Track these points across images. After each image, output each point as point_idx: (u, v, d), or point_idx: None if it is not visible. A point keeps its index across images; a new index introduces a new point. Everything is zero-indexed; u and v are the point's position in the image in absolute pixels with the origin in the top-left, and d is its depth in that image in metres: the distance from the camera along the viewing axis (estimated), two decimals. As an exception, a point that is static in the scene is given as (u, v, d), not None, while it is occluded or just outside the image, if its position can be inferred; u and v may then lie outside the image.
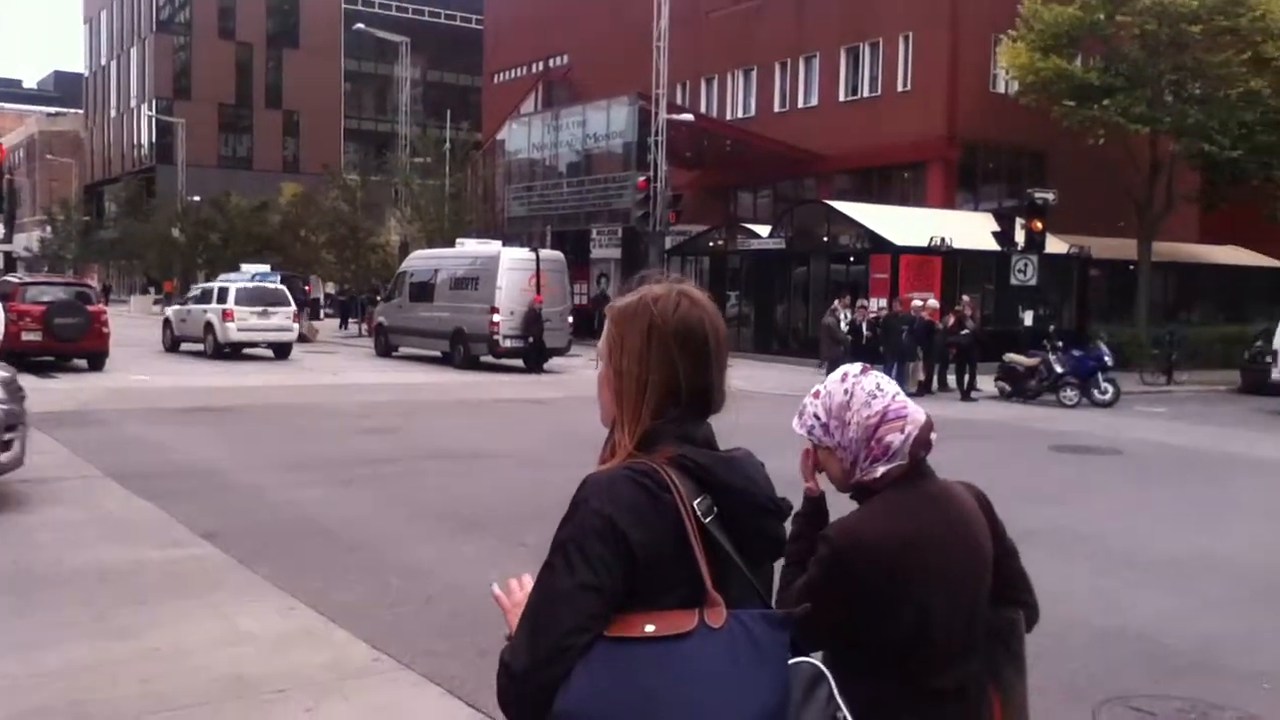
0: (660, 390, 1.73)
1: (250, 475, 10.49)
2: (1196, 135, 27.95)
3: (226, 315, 25.38)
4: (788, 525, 1.90)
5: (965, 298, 23.66)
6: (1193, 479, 12.47)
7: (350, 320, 41.16)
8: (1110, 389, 20.38)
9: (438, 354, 26.17)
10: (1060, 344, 21.58)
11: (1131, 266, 30.78)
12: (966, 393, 20.93)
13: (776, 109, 37.54)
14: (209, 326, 25.87)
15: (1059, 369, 20.48)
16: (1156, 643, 6.19)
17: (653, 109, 29.54)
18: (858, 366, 2.14)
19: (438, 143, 45.01)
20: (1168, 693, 5.40)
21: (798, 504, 2.11)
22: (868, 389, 2.06)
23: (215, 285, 27.95)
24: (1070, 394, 20.21)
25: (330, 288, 45.73)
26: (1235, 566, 8.11)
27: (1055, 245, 26.19)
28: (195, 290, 29.79)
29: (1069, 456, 13.85)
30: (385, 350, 27.99)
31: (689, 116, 31.82)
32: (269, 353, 26.24)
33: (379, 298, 31.66)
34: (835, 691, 1.64)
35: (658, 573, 1.63)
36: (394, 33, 48.82)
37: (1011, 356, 21.26)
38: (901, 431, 2.02)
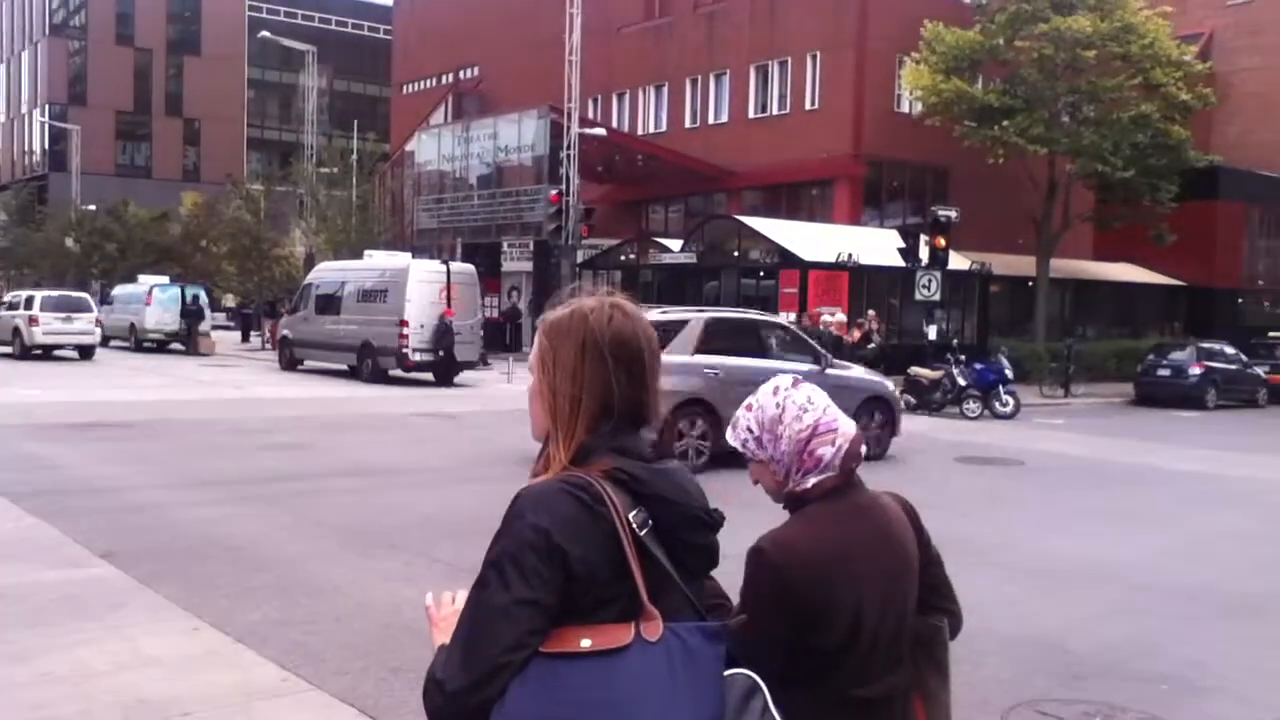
0: (594, 404, 1.72)
1: (150, 493, 10.15)
2: (1091, 156, 28.99)
3: (32, 320, 28.01)
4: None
5: (870, 312, 24.14)
6: (1092, 488, 12.85)
7: (252, 333, 40.24)
8: (1011, 401, 20.95)
9: (345, 367, 25.72)
10: (963, 358, 22.13)
11: (1030, 282, 31.73)
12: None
13: (688, 125, 37.85)
14: (16, 331, 28.51)
15: (962, 382, 20.99)
16: (1061, 648, 6.35)
17: (565, 122, 29.53)
18: (789, 379, 2.15)
19: (344, 153, 44.36)
20: (1074, 697, 5.53)
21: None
22: (799, 402, 2.08)
23: (23, 294, 30.55)
24: (973, 406, 20.72)
25: (231, 300, 44.63)
26: (1134, 573, 8.37)
27: (958, 261, 26.85)
28: (9, 298, 31.80)
29: (973, 467, 14.18)
30: (290, 364, 27.40)
31: (601, 131, 31.90)
32: (163, 366, 25.50)
33: (284, 310, 31.03)
34: (770, 703, 1.64)
35: (594, 587, 1.62)
36: (300, 41, 48.00)
37: (916, 370, 21.72)
38: (833, 444, 2.04)
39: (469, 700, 1.57)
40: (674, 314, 13.06)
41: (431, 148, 38.68)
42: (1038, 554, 8.93)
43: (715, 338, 12.74)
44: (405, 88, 53.46)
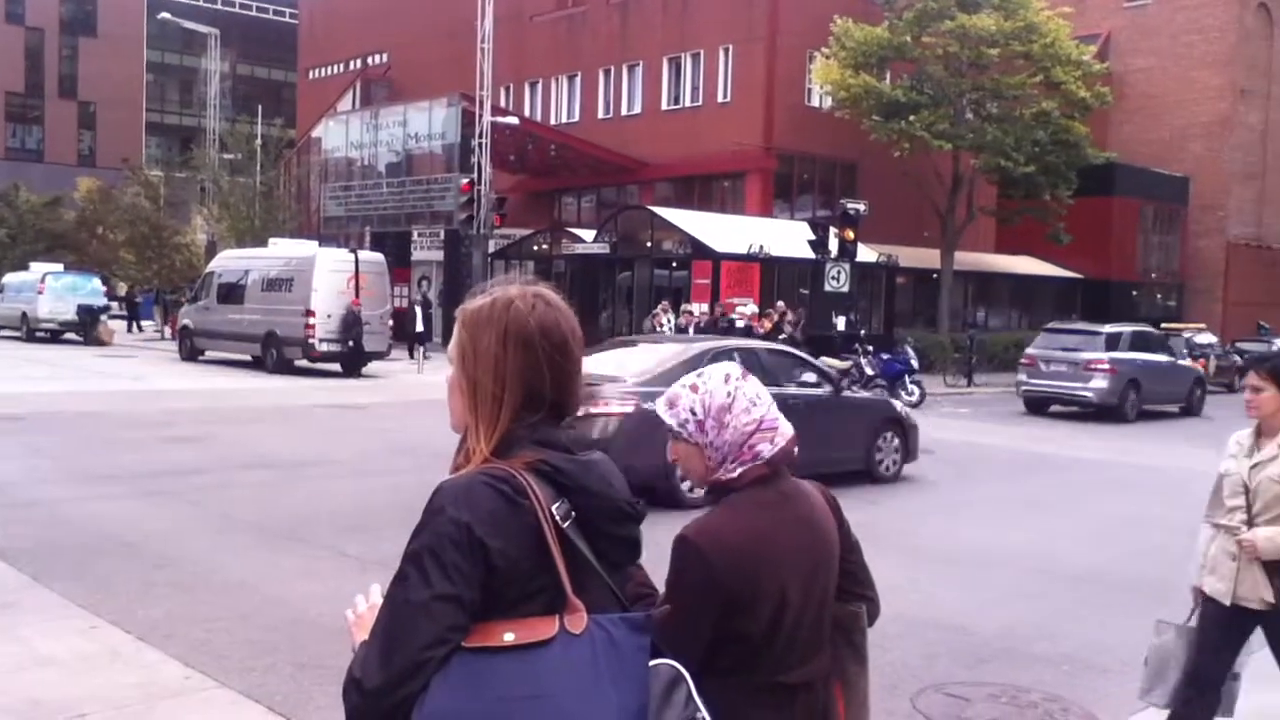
0: (516, 395, 1.70)
1: (44, 488, 9.78)
2: (994, 152, 29.71)
3: None
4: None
5: (780, 303, 24.39)
6: (994, 475, 13.19)
7: (143, 323, 39.02)
8: (917, 391, 21.40)
9: (248, 358, 25.13)
10: (870, 348, 22.52)
11: (935, 275, 32.42)
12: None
13: (601, 115, 37.76)
14: None
15: (870, 372, 21.34)
16: (967, 632, 6.50)
17: (476, 111, 29.22)
18: (738, 370, 2.14)
19: (249, 139, 43.28)
20: (979, 679, 5.67)
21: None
22: (749, 395, 2.07)
23: None
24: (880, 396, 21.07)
25: (122, 288, 43.21)
26: (1036, 557, 8.61)
27: (866, 254, 27.30)
28: None
29: (881, 456, 14.42)
30: (191, 354, 26.68)
31: (514, 120, 31.63)
32: (57, 356, 24.63)
33: (184, 300, 30.20)
34: (694, 692, 1.64)
35: (517, 580, 1.60)
36: (201, 23, 46.69)
37: (825, 360, 22.00)
38: (771, 442, 2.06)
39: (388, 698, 1.53)
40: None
41: (339, 135, 37.94)
42: (942, 540, 9.14)
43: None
44: (312, 73, 52.34)
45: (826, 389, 11.95)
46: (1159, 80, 42.36)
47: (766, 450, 2.05)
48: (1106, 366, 19.35)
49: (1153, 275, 41.57)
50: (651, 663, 1.62)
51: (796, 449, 2.12)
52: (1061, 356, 20.27)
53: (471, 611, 1.57)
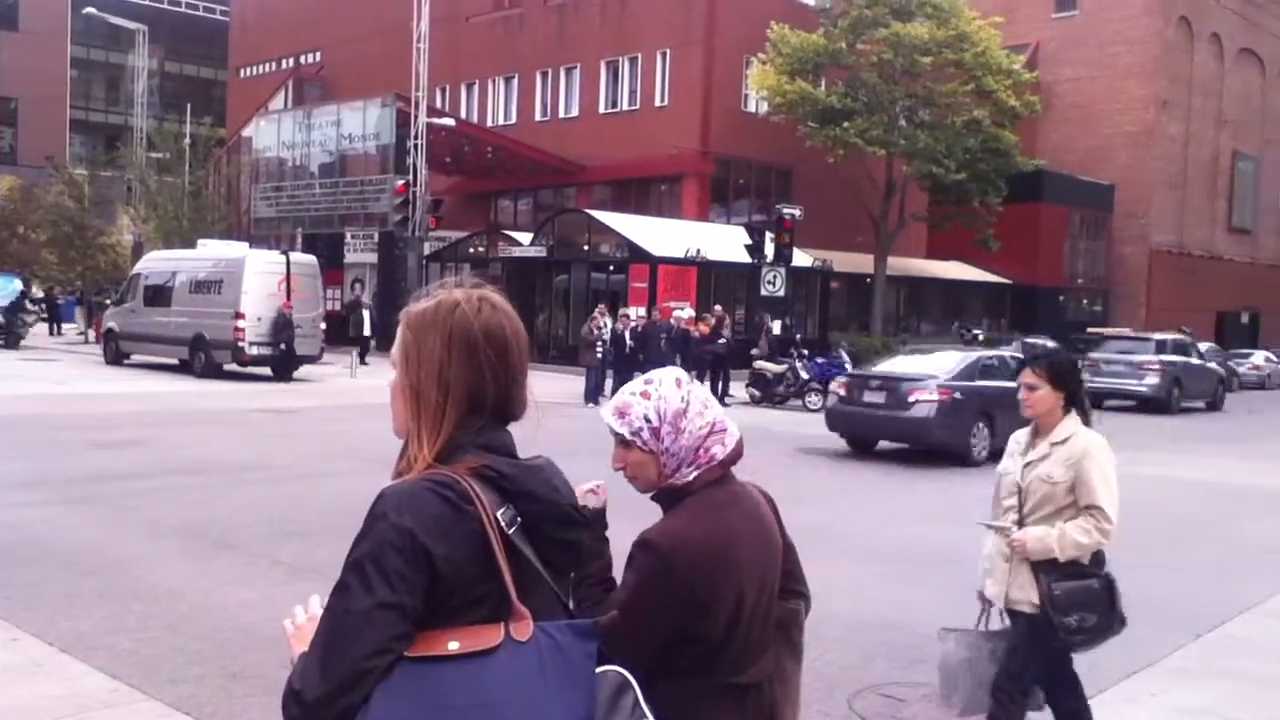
0: (461, 399, 1.67)
1: (-38, 495, 9.48)
2: (926, 159, 30.18)
3: None
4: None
5: (717, 307, 24.51)
6: (927, 476, 13.37)
7: (64, 325, 38.01)
8: (852, 395, 21.60)
9: (175, 362, 24.63)
10: (805, 352, 22.73)
11: (868, 279, 32.83)
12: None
13: (538, 118, 37.65)
14: None
15: (805, 375, 21.56)
16: (902, 632, 6.58)
17: (412, 111, 28.96)
18: (686, 375, 2.14)
19: (177, 137, 42.41)
20: (915, 679, 5.73)
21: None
22: (701, 399, 2.08)
23: None
24: (815, 399, 21.28)
25: (39, 289, 42.09)
26: (969, 557, 8.70)
27: (801, 258, 27.56)
28: None
29: (815, 458, 14.57)
30: (116, 358, 26.05)
31: (450, 121, 31.41)
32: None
33: (109, 302, 29.49)
34: (640, 699, 1.63)
35: (461, 587, 1.57)
36: (129, 19, 45.68)
37: (761, 364, 22.18)
38: (723, 444, 2.07)
39: (329, 710, 1.50)
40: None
41: (271, 134, 37.35)
42: (876, 540, 9.24)
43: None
44: (243, 71, 51.48)
45: None
46: (1086, 90, 43.39)
47: (720, 452, 2.06)
48: (1157, 366, 22.45)
49: (1079, 280, 42.54)
50: (598, 669, 1.60)
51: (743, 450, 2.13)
52: (1119, 359, 23.50)
53: (415, 620, 1.54)
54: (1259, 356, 38.79)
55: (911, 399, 14.21)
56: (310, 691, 1.51)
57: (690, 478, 2.06)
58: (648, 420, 2.04)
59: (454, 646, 1.54)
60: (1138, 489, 12.98)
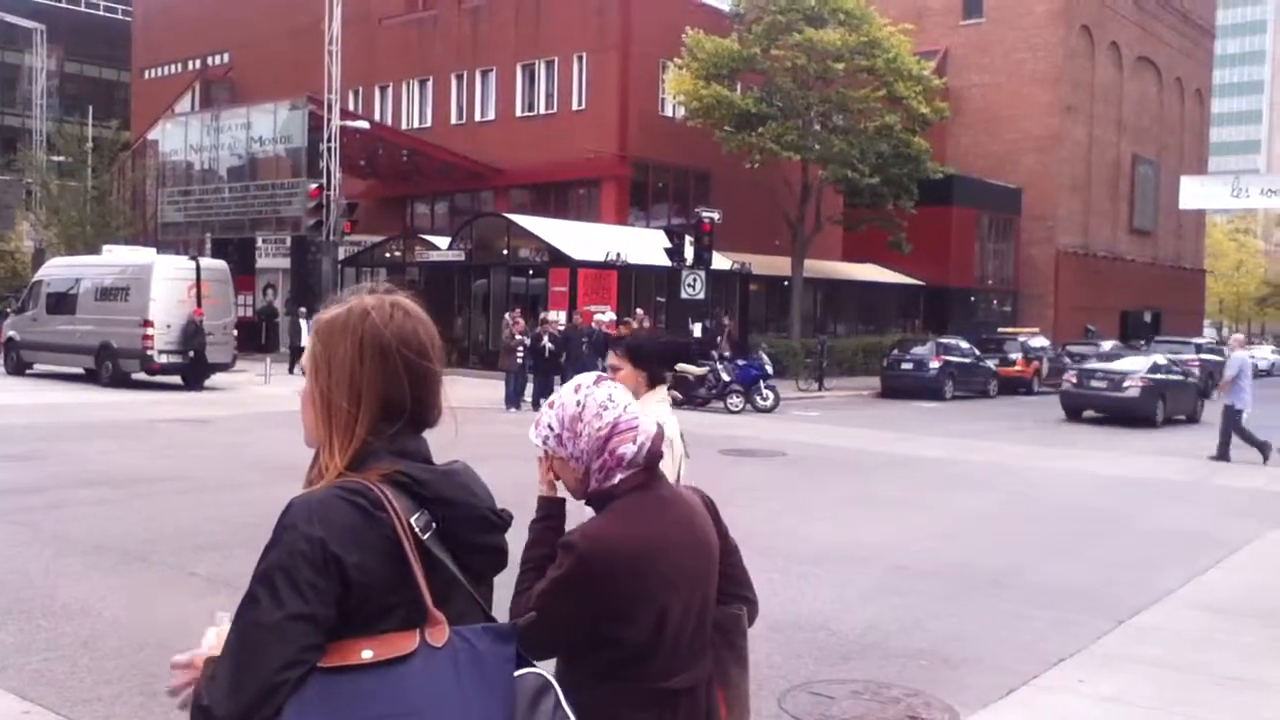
0: (373, 406, 1.65)
1: None
2: (840, 163, 30.61)
3: None
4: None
5: (638, 310, 24.56)
6: (848, 477, 13.54)
7: None
8: (771, 395, 21.83)
9: (81, 371, 23.85)
10: (726, 354, 22.87)
11: (786, 282, 33.17)
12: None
13: (454, 121, 37.31)
14: None
15: (725, 378, 21.70)
16: (828, 630, 6.63)
17: (324, 114, 28.44)
18: (591, 377, 2.17)
19: (79, 140, 41.17)
20: (842, 676, 5.78)
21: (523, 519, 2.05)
22: (599, 400, 2.09)
23: None
24: (736, 401, 21.45)
25: None
26: (891, 555, 8.85)
27: (720, 261, 27.72)
28: None
29: (738, 460, 14.64)
30: (17, 368, 25.13)
31: (364, 124, 30.92)
32: None
33: (9, 310, 28.45)
34: (562, 701, 1.61)
35: (375, 595, 1.54)
36: (25, 17, 44.18)
37: (683, 366, 22.23)
38: (634, 442, 2.07)
39: None
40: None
41: (178, 137, 36.39)
42: (801, 541, 9.31)
43: None
44: (147, 73, 50.10)
45: None
46: (993, 96, 44.46)
47: (630, 451, 2.06)
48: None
49: (989, 282, 43.52)
50: (518, 672, 1.59)
51: (663, 443, 2.13)
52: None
53: (327, 630, 1.51)
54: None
55: (1125, 385, 21.94)
56: (220, 708, 1.47)
57: (615, 480, 2.07)
58: (551, 428, 2.10)
59: (368, 655, 1.51)
60: (1056, 482, 13.32)
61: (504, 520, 1.75)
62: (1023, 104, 43.87)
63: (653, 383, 4.06)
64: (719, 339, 25.35)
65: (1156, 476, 14.31)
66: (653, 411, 3.93)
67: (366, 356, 1.64)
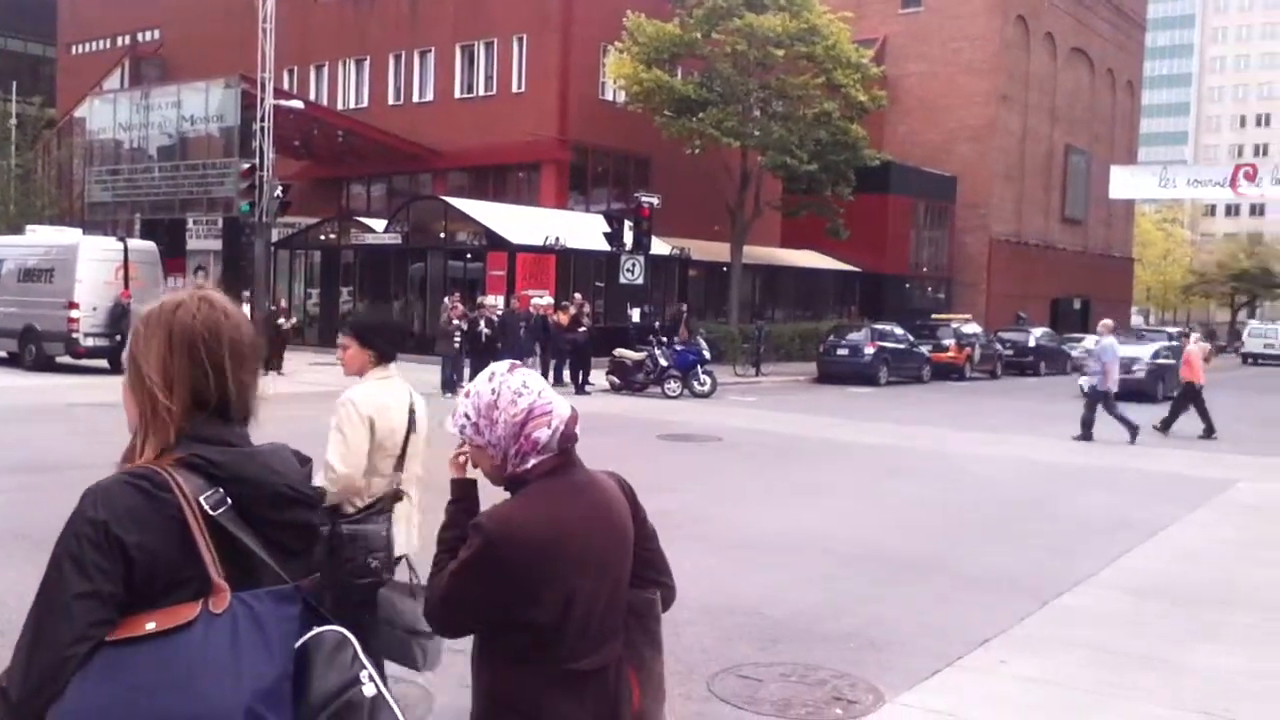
0: (184, 396, 1.75)
1: None
2: (779, 150, 30.73)
3: None
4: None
5: (577, 295, 24.48)
6: (783, 462, 13.63)
7: None
8: (709, 381, 21.90)
9: (4, 355, 23.22)
10: (664, 339, 22.89)
11: (725, 268, 33.29)
12: (580, 387, 21.64)
13: (391, 102, 36.85)
14: None
15: (663, 363, 21.72)
16: (759, 615, 6.66)
17: (257, 93, 27.89)
18: (505, 365, 2.22)
19: (2, 117, 39.97)
20: (771, 660, 5.81)
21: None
22: (513, 387, 2.15)
23: None
24: (673, 386, 21.49)
25: None
26: (822, 540, 8.93)
27: (659, 247, 27.73)
28: None
29: (674, 444, 14.69)
30: (-63, 351, 24.40)
31: (298, 103, 30.38)
32: None
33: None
34: (360, 653, 1.71)
35: (161, 571, 1.64)
36: (-56, -12, 42.74)
37: (621, 351, 22.26)
38: (549, 426, 2.13)
39: (35, 703, 1.57)
40: None
41: (106, 115, 35.51)
42: (735, 526, 9.35)
43: None
44: (75, 48, 48.80)
45: None
46: (930, 85, 44.94)
47: (544, 435, 2.12)
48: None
49: (924, 269, 44.09)
50: (317, 630, 1.68)
51: (578, 427, 2.19)
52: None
53: (116, 605, 1.61)
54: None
55: (1135, 368, 25.00)
56: (15, 689, 1.58)
57: (528, 465, 2.13)
58: (467, 417, 2.17)
59: (151, 626, 1.61)
60: (984, 468, 13.53)
61: (310, 497, 1.84)
62: (959, 93, 44.41)
63: (380, 360, 4.13)
64: (680, 325, 25.43)
65: (1084, 462, 14.60)
66: (377, 390, 4.06)
67: (176, 348, 1.75)
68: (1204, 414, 17.58)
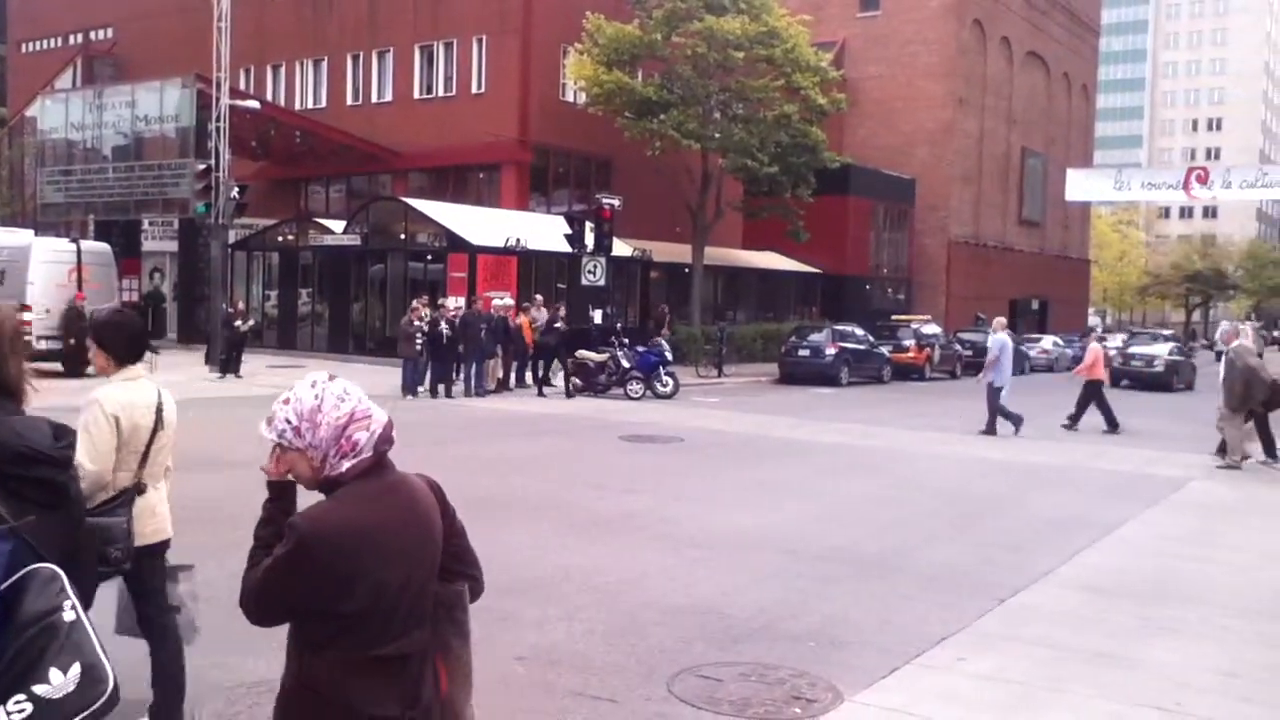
0: None
1: None
2: (740, 152, 30.84)
3: None
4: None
5: (538, 296, 24.42)
6: (745, 462, 13.66)
7: None
8: (671, 382, 21.93)
9: (-47, 358, 22.77)
10: (626, 341, 22.89)
11: (687, 269, 33.33)
12: (539, 386, 21.62)
13: (349, 102, 36.56)
14: None
15: (626, 364, 21.71)
16: (720, 614, 6.67)
17: (213, 93, 27.57)
18: (324, 374, 2.37)
19: (-49, 116, 39.25)
20: (731, 660, 5.82)
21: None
22: (336, 393, 2.30)
23: None
24: (636, 387, 21.49)
25: None
26: (783, 540, 8.95)
27: (621, 248, 27.71)
28: None
29: (637, 446, 14.67)
30: (-116, 354, 23.87)
31: (255, 103, 30.04)
32: None
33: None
34: (67, 585, 2.08)
35: None
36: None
37: (583, 353, 22.21)
38: (368, 429, 2.29)
39: None
40: None
41: (58, 114, 34.93)
42: (696, 526, 9.35)
43: None
44: (25, 46, 47.99)
45: None
46: (889, 88, 45.27)
47: (364, 438, 2.28)
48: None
49: (884, 270, 44.38)
50: (34, 565, 2.06)
51: (394, 432, 2.36)
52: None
53: None
54: (1047, 341, 41.57)
55: (1156, 363, 31.55)
56: None
57: (343, 468, 2.28)
58: (289, 422, 2.28)
59: None
60: (943, 467, 13.64)
61: (49, 455, 2.29)
62: (917, 96, 44.77)
63: (122, 362, 4.24)
64: (664, 325, 25.54)
65: (1040, 461, 14.75)
66: (123, 390, 4.22)
67: None
68: (1102, 409, 18.29)
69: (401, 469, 2.39)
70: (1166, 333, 45.58)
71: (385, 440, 2.31)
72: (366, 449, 2.28)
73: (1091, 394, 18.49)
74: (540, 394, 21.35)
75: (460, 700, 2.45)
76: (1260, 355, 15.39)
